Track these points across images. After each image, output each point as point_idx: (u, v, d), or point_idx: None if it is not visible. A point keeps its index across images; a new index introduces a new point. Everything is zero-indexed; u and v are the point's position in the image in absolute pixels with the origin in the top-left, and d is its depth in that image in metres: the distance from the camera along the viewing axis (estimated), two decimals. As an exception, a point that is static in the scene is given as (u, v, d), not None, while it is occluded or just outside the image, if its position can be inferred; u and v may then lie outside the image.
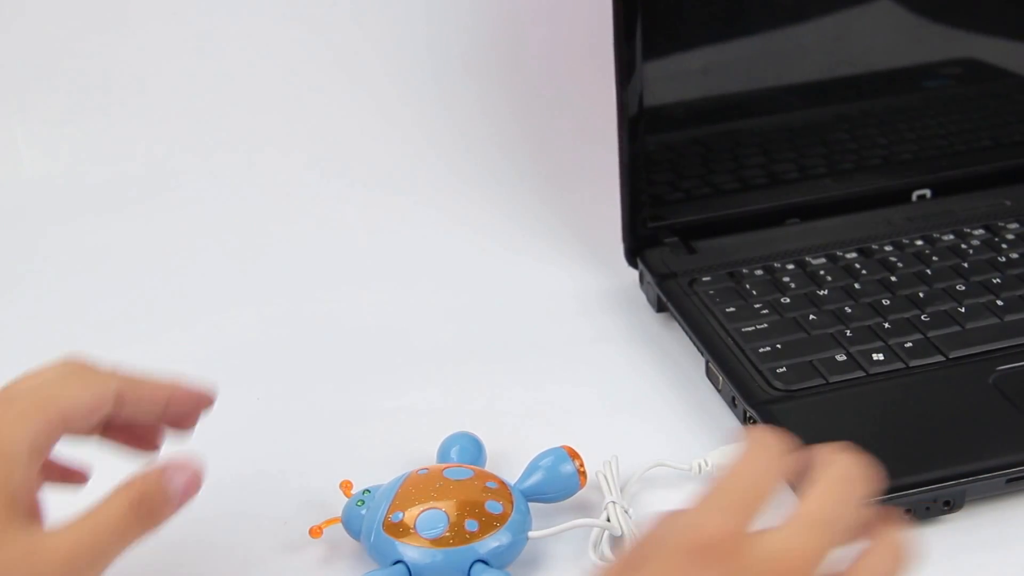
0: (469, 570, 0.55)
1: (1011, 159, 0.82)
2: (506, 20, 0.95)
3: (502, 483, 0.58)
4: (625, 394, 0.69)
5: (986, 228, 0.77)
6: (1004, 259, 0.73)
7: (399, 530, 0.55)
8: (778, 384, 0.64)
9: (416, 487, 0.57)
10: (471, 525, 0.55)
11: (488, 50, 0.95)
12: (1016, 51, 0.83)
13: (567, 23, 0.94)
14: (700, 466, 0.61)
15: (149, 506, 0.44)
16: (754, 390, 0.64)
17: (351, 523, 0.57)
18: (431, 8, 0.94)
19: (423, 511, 0.56)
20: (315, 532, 0.57)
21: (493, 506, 0.56)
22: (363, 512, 0.57)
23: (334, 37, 0.95)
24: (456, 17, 0.95)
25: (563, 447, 0.60)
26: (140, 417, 0.50)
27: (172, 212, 0.89)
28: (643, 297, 0.76)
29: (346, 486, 0.59)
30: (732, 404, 0.65)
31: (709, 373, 0.68)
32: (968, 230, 0.76)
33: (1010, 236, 0.75)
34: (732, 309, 0.70)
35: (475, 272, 0.82)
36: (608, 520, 0.58)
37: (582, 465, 0.59)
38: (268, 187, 0.92)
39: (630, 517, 0.58)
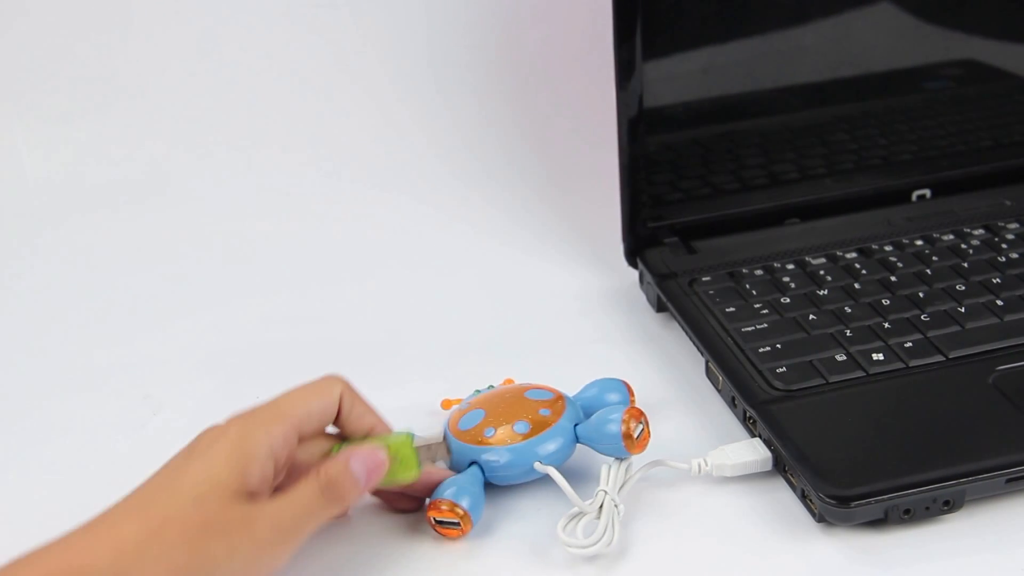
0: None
1: (1011, 159, 0.82)
2: (506, 20, 0.95)
3: (560, 398, 0.62)
4: (625, 394, 0.69)
5: (986, 228, 0.77)
6: (1004, 259, 0.73)
7: (471, 436, 0.59)
8: (778, 384, 0.64)
9: (491, 399, 0.62)
10: (521, 427, 0.59)
11: (488, 50, 0.95)
12: (1015, 52, 0.83)
13: (567, 23, 0.94)
14: (699, 466, 0.61)
15: (337, 490, 0.53)
16: (754, 390, 0.64)
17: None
18: (431, 8, 0.94)
19: (489, 418, 0.60)
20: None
21: (544, 412, 0.60)
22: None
23: (334, 37, 0.95)
24: (456, 17, 0.95)
25: (629, 408, 0.60)
26: (350, 428, 0.57)
27: (172, 212, 0.89)
28: (643, 297, 0.76)
29: (447, 404, 0.64)
30: (732, 404, 0.65)
31: (709, 373, 0.68)
32: (968, 230, 0.76)
33: (1010, 236, 0.75)
34: (732, 309, 0.70)
35: (475, 272, 0.82)
36: (600, 508, 0.58)
37: (633, 430, 0.59)
38: (268, 187, 0.92)
39: (618, 513, 0.58)
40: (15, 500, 0.64)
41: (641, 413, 0.59)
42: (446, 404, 0.66)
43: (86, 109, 0.93)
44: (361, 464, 0.54)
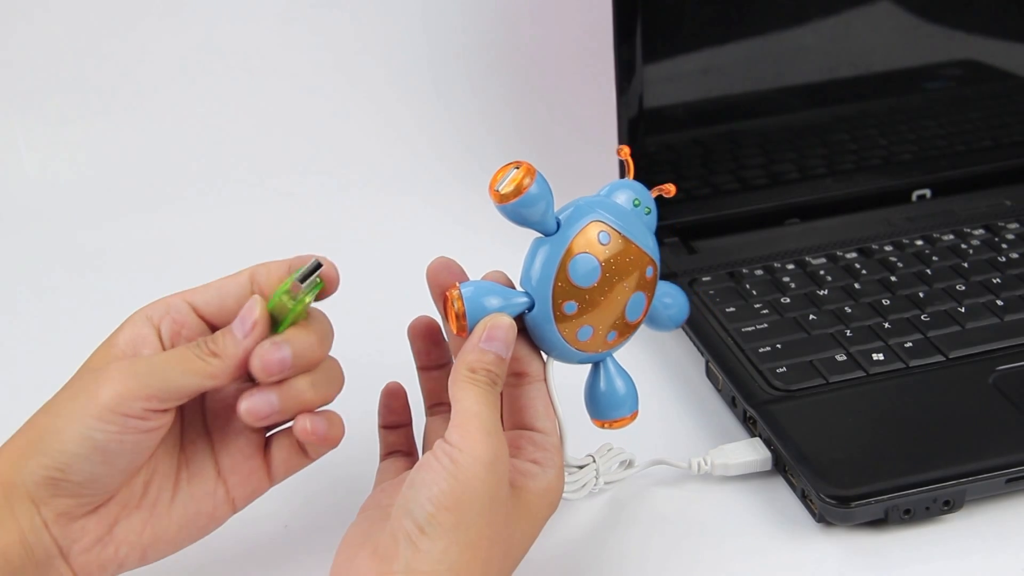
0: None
1: (1011, 159, 0.82)
2: (506, 21, 0.95)
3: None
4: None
5: (986, 228, 0.77)
6: (1004, 259, 0.73)
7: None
8: (778, 384, 0.64)
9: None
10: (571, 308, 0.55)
11: (488, 51, 0.95)
12: (1015, 52, 0.83)
13: (567, 23, 0.94)
14: (699, 465, 0.61)
15: (211, 346, 0.51)
16: (754, 390, 0.64)
17: None
18: (430, 9, 0.94)
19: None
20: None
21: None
22: None
23: (334, 39, 0.95)
24: (456, 17, 0.95)
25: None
26: (223, 316, 0.54)
27: (171, 214, 0.89)
28: (643, 297, 0.76)
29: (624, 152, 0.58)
30: (732, 404, 0.65)
31: (709, 373, 0.68)
32: (968, 230, 0.76)
33: (1010, 236, 0.76)
34: (732, 309, 0.70)
35: (474, 273, 0.82)
36: (578, 467, 0.59)
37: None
38: (268, 189, 0.92)
39: (595, 484, 0.58)
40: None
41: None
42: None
43: (87, 111, 0.93)
44: (237, 320, 0.52)
